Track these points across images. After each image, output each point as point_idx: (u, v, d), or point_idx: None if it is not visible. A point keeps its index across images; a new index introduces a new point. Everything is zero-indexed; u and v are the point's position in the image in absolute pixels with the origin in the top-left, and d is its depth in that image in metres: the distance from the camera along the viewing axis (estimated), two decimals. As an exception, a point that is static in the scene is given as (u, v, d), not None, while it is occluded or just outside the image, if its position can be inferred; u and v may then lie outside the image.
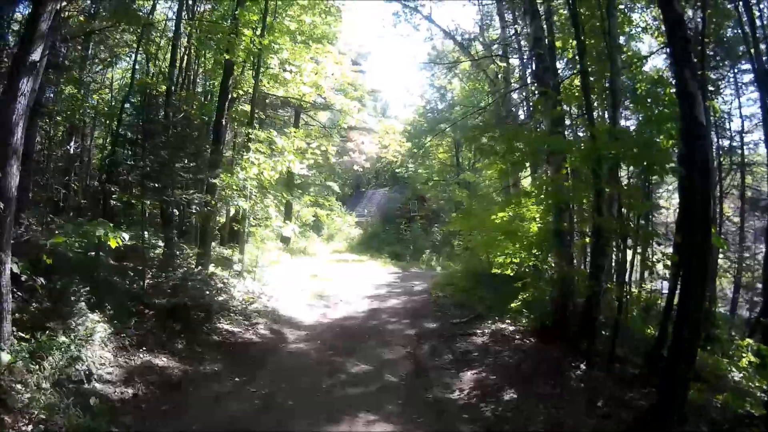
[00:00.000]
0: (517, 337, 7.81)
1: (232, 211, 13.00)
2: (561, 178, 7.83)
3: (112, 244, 5.08)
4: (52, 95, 11.68)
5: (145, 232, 7.95)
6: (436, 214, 29.64)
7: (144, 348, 5.89)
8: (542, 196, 7.81)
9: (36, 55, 4.99)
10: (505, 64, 14.99)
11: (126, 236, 5.13)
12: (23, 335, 4.71)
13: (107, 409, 4.47)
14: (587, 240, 8.10)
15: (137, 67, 12.19)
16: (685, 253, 4.85)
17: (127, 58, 16.69)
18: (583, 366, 6.20)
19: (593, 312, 6.87)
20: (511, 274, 9.26)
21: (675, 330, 4.71)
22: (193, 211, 8.68)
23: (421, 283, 13.62)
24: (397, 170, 31.01)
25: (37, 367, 4.45)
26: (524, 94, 15.08)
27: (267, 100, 19.24)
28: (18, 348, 4.50)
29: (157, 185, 7.56)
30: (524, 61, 15.32)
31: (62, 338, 4.78)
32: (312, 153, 20.51)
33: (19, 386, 4.14)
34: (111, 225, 5.09)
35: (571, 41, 10.73)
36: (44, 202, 10.89)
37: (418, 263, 21.27)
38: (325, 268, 14.82)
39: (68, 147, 13.76)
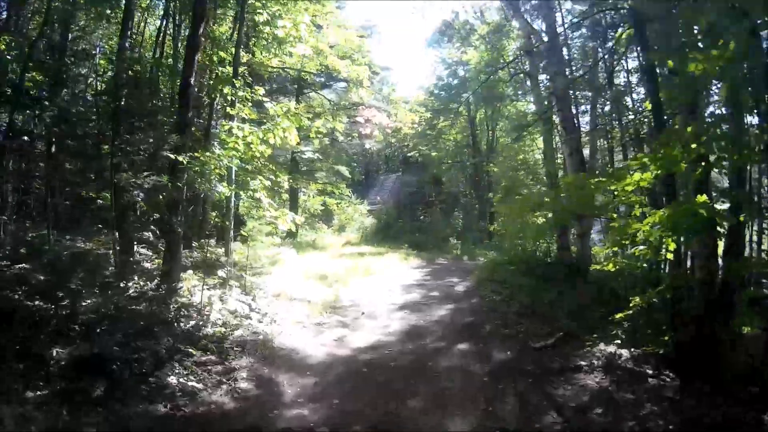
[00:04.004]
0: (649, 370, 4.99)
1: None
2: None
3: None
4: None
5: (51, 232, 5.17)
6: (455, 197, 27.01)
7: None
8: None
9: None
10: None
11: None
12: None
13: None
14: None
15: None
16: None
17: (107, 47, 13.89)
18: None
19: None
20: (612, 270, 6.32)
21: None
22: (139, 199, 5.92)
23: (461, 281, 10.73)
24: (408, 154, 28.04)
25: None
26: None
27: (261, 80, 15.88)
28: None
29: (69, 162, 4.77)
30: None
31: None
32: (317, 130, 17.65)
33: None
34: None
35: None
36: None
37: (442, 253, 18.45)
38: (338, 266, 11.90)
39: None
